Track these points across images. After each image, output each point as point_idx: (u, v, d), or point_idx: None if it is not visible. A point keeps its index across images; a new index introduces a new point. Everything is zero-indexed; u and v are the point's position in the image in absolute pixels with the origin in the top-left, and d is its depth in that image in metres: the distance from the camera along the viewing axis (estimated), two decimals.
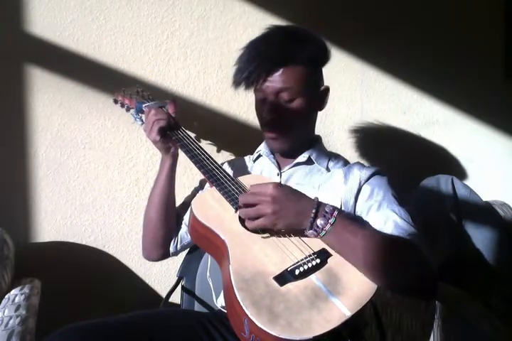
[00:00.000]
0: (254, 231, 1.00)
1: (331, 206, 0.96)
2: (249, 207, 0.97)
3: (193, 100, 1.58)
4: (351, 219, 1.02)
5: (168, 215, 1.22)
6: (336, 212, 0.95)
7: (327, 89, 1.20)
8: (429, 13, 1.90)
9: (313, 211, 0.94)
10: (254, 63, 1.11)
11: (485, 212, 1.71)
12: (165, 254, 1.26)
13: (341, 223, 0.95)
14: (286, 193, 0.97)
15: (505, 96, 2.05)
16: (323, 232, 0.94)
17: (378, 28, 1.80)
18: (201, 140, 1.54)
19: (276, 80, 1.11)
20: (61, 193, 1.49)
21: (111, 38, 1.49)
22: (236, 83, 1.15)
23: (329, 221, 0.94)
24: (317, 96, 1.18)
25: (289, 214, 0.95)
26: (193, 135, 1.47)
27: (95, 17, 1.47)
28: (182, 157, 1.21)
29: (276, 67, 1.10)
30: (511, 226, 1.77)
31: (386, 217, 1.04)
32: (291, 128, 1.15)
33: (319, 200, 0.97)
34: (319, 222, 0.94)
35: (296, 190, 1.01)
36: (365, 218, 1.09)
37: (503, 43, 2.08)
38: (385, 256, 0.92)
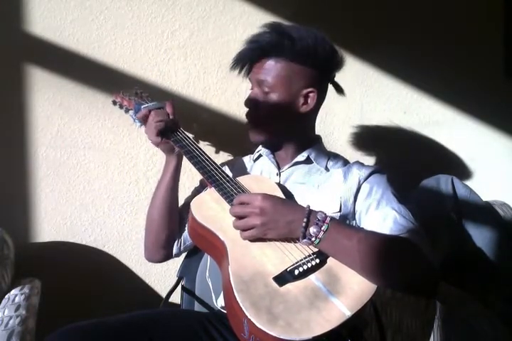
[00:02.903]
0: None
1: (323, 213, 0.97)
2: (239, 218, 0.98)
3: (193, 100, 1.58)
4: (345, 224, 1.03)
5: (171, 216, 1.21)
6: (328, 219, 0.95)
7: (312, 92, 1.16)
8: (430, 13, 1.90)
9: (305, 220, 0.95)
10: (242, 53, 1.17)
11: (485, 212, 1.71)
12: (167, 255, 1.25)
13: (335, 229, 0.95)
14: (275, 204, 0.98)
15: (505, 96, 2.05)
16: (317, 240, 0.94)
17: (378, 28, 1.80)
18: (201, 140, 1.54)
19: (258, 72, 1.15)
20: (61, 193, 1.49)
21: (111, 38, 1.49)
22: (230, 67, 1.20)
23: (322, 228, 0.94)
24: (297, 96, 1.15)
25: (278, 225, 0.96)
26: (192, 135, 1.48)
27: (95, 17, 1.47)
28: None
29: (258, 57, 1.14)
30: (511, 226, 1.77)
31: (385, 215, 1.04)
32: (265, 121, 1.17)
33: (311, 208, 0.97)
34: (312, 230, 0.94)
35: (286, 200, 1.03)
36: (364, 217, 1.09)
37: (503, 43, 2.07)
38: (382, 258, 0.92)
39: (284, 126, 1.18)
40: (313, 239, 0.95)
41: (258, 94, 1.16)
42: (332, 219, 0.96)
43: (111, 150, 1.52)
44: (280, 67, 1.13)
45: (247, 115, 1.21)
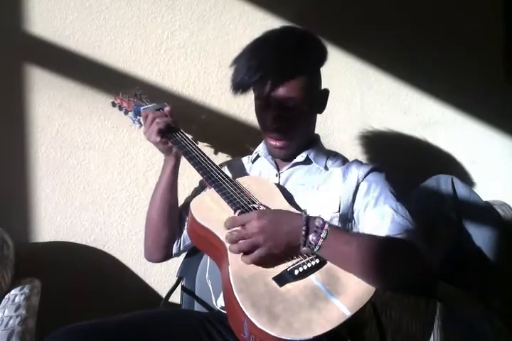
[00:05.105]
0: None
1: (321, 219, 0.95)
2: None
3: (193, 100, 1.58)
4: (343, 230, 1.03)
5: (170, 216, 1.22)
6: (326, 225, 0.94)
7: (327, 92, 1.20)
8: (430, 12, 1.89)
9: (304, 228, 0.94)
10: (258, 73, 1.08)
11: (485, 212, 1.70)
12: (167, 255, 1.26)
13: (334, 235, 0.94)
14: (272, 218, 0.96)
15: (505, 96, 2.05)
16: (317, 247, 0.93)
17: (378, 28, 1.80)
18: (201, 140, 1.53)
19: (280, 90, 1.09)
20: (61, 193, 1.49)
21: (111, 38, 1.49)
22: (236, 89, 1.14)
23: (321, 235, 0.93)
24: (318, 99, 1.18)
25: (281, 238, 0.94)
26: (193, 136, 1.48)
27: (95, 17, 1.47)
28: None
29: (281, 78, 1.08)
30: (511, 226, 1.77)
31: (383, 213, 1.05)
32: (296, 134, 1.15)
33: (308, 215, 0.96)
34: (311, 238, 0.93)
35: (282, 211, 1.00)
36: (362, 215, 1.09)
37: (503, 43, 2.07)
38: (381, 262, 0.92)
39: (307, 131, 1.21)
40: (312, 246, 0.94)
41: (284, 110, 1.11)
42: (330, 225, 0.95)
43: (111, 150, 1.52)
44: (302, 81, 1.09)
45: (276, 133, 1.14)
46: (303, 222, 0.94)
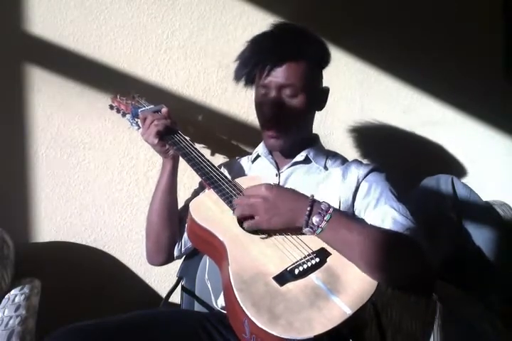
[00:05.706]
0: (253, 231, 1.00)
1: (327, 203, 0.96)
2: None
3: (193, 100, 1.58)
4: (347, 216, 1.02)
5: (170, 218, 1.22)
6: (331, 209, 0.95)
7: (327, 90, 1.21)
8: (430, 12, 1.90)
9: (308, 209, 0.94)
10: (259, 57, 1.11)
11: (485, 212, 1.71)
12: (168, 258, 1.26)
13: (337, 220, 0.95)
14: (279, 192, 0.98)
15: (505, 96, 2.05)
16: (319, 229, 0.94)
17: (378, 28, 1.80)
18: (201, 141, 1.54)
19: (279, 76, 1.11)
20: (61, 193, 1.49)
21: (111, 38, 1.49)
22: (238, 77, 1.16)
23: (324, 218, 0.94)
24: (318, 94, 1.19)
25: (282, 212, 0.96)
26: (193, 136, 1.48)
27: (95, 17, 1.47)
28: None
29: (280, 61, 1.10)
30: (511, 226, 1.77)
31: (384, 214, 1.05)
32: (292, 126, 1.15)
33: (314, 198, 0.97)
34: (314, 219, 0.94)
35: (290, 189, 1.01)
36: (363, 215, 1.09)
37: (503, 43, 2.08)
38: (382, 252, 0.92)
39: (305, 128, 1.21)
40: (315, 228, 0.94)
41: (283, 98, 1.12)
42: (335, 210, 0.96)
43: (111, 150, 1.52)
44: (302, 68, 1.11)
45: (271, 121, 1.14)
46: (308, 203, 0.95)
